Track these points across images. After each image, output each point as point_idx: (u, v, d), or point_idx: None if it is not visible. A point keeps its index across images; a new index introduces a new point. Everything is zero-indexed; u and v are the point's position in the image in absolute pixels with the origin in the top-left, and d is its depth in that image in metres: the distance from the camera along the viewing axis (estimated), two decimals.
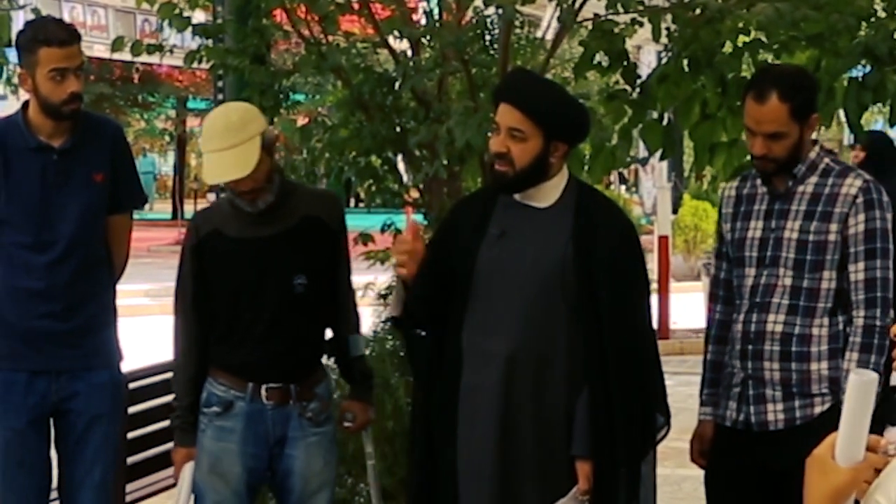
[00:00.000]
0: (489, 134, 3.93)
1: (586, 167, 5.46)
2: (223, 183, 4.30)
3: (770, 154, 3.99)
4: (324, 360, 4.50)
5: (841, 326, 4.01)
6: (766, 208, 4.10)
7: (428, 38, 5.64)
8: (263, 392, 4.27)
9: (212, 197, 6.19)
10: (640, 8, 5.21)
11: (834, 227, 3.98)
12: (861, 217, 3.97)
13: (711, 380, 4.26)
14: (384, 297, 5.88)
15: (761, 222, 4.10)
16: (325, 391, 4.42)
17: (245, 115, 4.23)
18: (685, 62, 5.22)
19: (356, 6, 5.70)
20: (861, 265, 3.97)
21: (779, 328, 4.02)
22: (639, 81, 5.36)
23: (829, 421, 3.90)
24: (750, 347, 4.06)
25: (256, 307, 4.26)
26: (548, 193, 3.90)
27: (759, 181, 4.14)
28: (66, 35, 4.40)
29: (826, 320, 4.01)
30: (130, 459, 5.30)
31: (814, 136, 4.14)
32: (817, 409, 4.00)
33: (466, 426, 3.86)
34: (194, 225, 4.38)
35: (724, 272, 4.24)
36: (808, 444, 3.96)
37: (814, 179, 4.05)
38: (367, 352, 5.93)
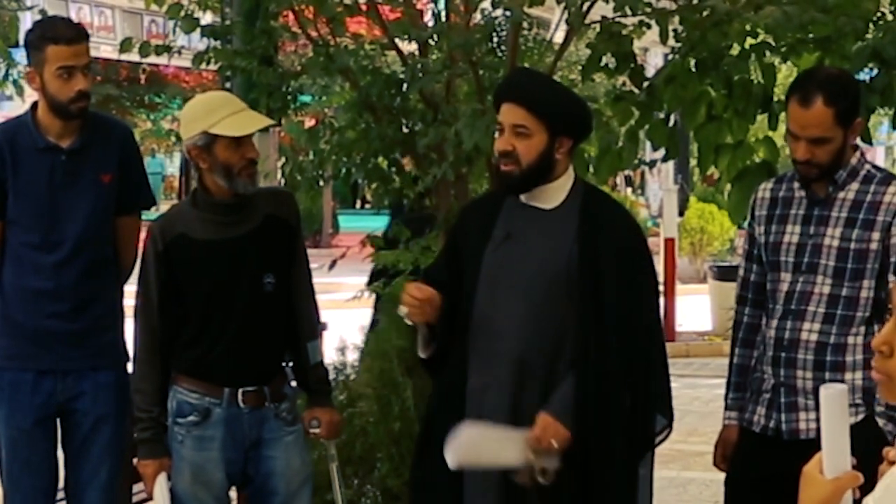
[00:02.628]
0: (496, 136, 3.93)
1: (592, 168, 5.47)
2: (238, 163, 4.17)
3: (814, 159, 3.93)
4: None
5: None
6: (805, 213, 4.04)
7: (436, 39, 5.64)
8: (240, 396, 4.24)
9: None
10: (648, 10, 5.21)
11: (876, 235, 3.93)
12: None
13: (737, 384, 4.22)
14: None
15: (799, 227, 4.04)
16: (290, 390, 4.41)
17: None
18: (692, 64, 5.22)
19: (364, 8, 5.71)
20: None
21: (814, 337, 3.97)
22: (646, 83, 5.36)
23: (862, 432, 3.86)
24: (782, 355, 4.01)
25: (227, 308, 4.22)
26: (554, 195, 3.91)
27: (795, 184, 4.08)
28: (74, 33, 4.41)
29: (862, 329, 3.96)
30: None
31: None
32: (850, 420, 3.95)
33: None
34: (158, 230, 4.27)
35: (753, 274, 4.20)
36: None
37: (855, 186, 4.00)
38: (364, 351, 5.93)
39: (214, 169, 4.17)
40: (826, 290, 3.98)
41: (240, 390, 4.23)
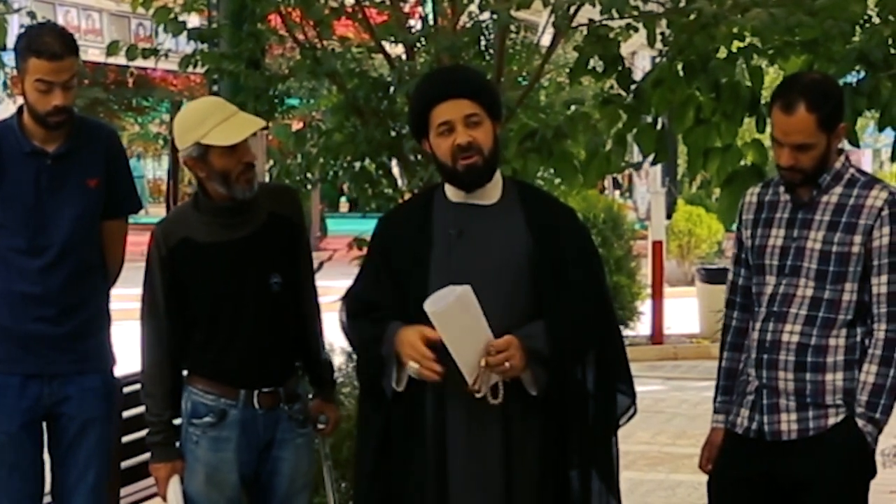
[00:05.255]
0: (439, 139, 3.86)
1: (580, 172, 5.47)
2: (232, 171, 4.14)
3: (797, 165, 3.95)
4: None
5: (859, 338, 3.97)
6: (789, 217, 4.06)
7: (423, 42, 5.64)
8: (256, 398, 4.25)
9: None
10: (635, 13, 5.21)
11: (858, 238, 3.94)
12: (886, 230, 3.93)
13: (725, 387, 4.24)
14: None
15: (783, 231, 4.06)
16: (302, 391, 4.43)
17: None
18: (680, 67, 5.23)
19: (351, 11, 5.71)
20: (884, 278, 3.93)
21: (795, 339, 3.98)
22: (633, 86, 5.36)
23: (842, 432, 3.91)
24: (765, 357, 4.02)
25: (237, 310, 4.22)
26: (493, 190, 3.90)
27: (781, 188, 4.10)
28: (59, 48, 4.32)
29: (844, 331, 3.97)
30: (125, 463, 5.28)
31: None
32: (831, 421, 3.95)
33: (461, 431, 3.79)
34: (161, 235, 4.26)
35: (742, 278, 4.21)
36: (820, 455, 3.99)
37: (838, 190, 4.01)
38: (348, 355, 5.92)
39: (212, 177, 4.17)
40: (808, 292, 4.00)
41: (255, 392, 4.24)
